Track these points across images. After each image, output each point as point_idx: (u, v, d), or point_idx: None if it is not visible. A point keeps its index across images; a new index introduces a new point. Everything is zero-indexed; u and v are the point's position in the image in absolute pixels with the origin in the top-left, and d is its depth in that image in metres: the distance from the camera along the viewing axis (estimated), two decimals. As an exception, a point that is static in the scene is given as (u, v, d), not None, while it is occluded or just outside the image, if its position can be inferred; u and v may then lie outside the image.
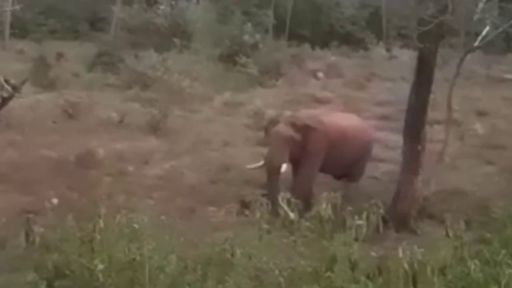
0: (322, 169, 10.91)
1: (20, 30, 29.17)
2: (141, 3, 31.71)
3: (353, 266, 6.37)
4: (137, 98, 18.52)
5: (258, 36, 25.74)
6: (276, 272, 6.03)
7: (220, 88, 19.98)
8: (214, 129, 15.73)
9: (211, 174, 12.41)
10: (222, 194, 11.09)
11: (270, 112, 15.96)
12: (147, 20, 30.11)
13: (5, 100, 9.42)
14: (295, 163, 10.74)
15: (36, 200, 9.96)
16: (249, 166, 11.09)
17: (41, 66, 21.15)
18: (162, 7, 31.02)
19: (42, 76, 19.92)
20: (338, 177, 11.29)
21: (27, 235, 6.85)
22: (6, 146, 13.20)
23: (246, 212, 8.17)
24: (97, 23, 32.28)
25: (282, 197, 8.09)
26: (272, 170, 10.57)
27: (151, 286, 5.58)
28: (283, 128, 10.79)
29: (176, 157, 13.49)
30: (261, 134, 14.75)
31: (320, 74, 24.25)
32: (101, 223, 6.33)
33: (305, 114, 11.38)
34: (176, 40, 26.45)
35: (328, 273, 6.15)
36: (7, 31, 28.18)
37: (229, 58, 23.90)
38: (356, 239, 7.05)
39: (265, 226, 6.96)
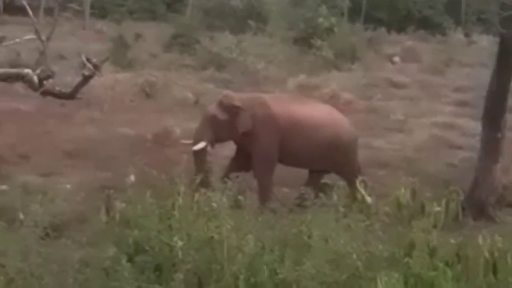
0: (280, 159, 10.25)
1: (100, 10, 29.87)
2: (217, -15, 31.96)
3: (432, 253, 6.25)
4: (212, 79, 18.68)
5: (333, 19, 25.51)
6: (354, 256, 5.97)
7: (295, 71, 19.90)
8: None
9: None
10: (296, 176, 11.05)
11: (346, 96, 15.82)
12: (222, 2, 30.32)
13: (86, 79, 9.58)
14: (239, 145, 10.26)
15: (114, 176, 10.17)
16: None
17: (119, 46, 21.52)
18: (238, -12, 31.18)
19: (121, 56, 20.28)
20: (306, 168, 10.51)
21: (107, 211, 6.98)
22: (86, 123, 13.54)
23: (321, 194, 8.10)
24: (173, 5, 32.68)
25: (360, 181, 8.01)
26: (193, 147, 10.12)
27: (229, 265, 5.60)
28: (210, 107, 10.31)
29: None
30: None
31: (396, 59, 23.94)
32: (180, 201, 6.38)
33: (250, 95, 10.80)
34: (251, 22, 26.48)
35: (406, 259, 6.05)
36: (87, 11, 28.79)
37: (303, 41, 23.81)
38: (434, 226, 6.92)
39: (341, 209, 6.88)
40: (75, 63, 15.18)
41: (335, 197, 7.21)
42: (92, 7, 29.08)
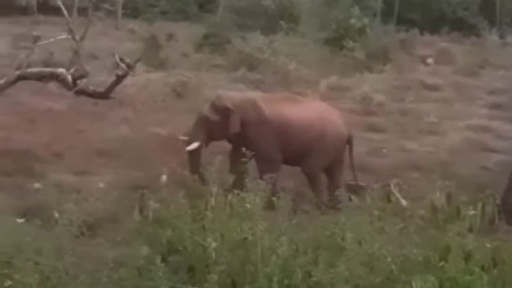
0: None
1: (132, 10, 30.03)
2: (249, -15, 31.96)
3: (467, 257, 6.16)
4: (243, 79, 18.67)
5: (365, 20, 25.40)
6: (389, 259, 5.90)
7: (326, 72, 19.84)
8: (320, 112, 15.59)
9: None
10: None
11: (378, 98, 15.70)
12: (254, 2, 30.29)
13: (120, 78, 9.64)
14: (233, 144, 10.28)
15: (147, 176, 10.20)
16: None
17: (151, 46, 21.60)
18: (269, -11, 31.13)
19: (153, 55, 20.34)
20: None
21: (141, 210, 7.00)
22: (119, 122, 13.60)
23: (353, 196, 8.04)
24: (205, 5, 32.75)
25: (394, 183, 7.95)
26: (186, 146, 10.23)
27: (263, 267, 5.56)
28: (204, 108, 10.36)
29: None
30: (370, 119, 14.55)
31: (430, 60, 23.74)
32: (213, 201, 6.37)
33: (243, 95, 10.81)
34: (283, 23, 26.43)
35: (442, 263, 5.97)
36: (120, 11, 28.98)
37: (335, 42, 23.72)
38: (470, 230, 6.82)
39: (376, 212, 6.81)
40: (108, 63, 15.33)
41: (368, 200, 7.16)
42: (124, 7, 29.25)
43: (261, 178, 9.72)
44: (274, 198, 6.48)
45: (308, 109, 10.42)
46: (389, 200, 7.78)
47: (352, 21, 24.58)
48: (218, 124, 10.05)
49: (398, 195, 7.82)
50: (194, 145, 9.97)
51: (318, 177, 10.25)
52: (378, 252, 5.99)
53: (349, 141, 10.43)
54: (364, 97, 16.21)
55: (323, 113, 10.43)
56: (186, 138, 10.28)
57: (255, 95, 11.11)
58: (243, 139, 9.84)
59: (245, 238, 5.79)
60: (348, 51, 22.38)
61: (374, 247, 6.06)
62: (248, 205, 6.00)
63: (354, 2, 27.27)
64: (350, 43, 22.56)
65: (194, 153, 10.04)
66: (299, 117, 10.15)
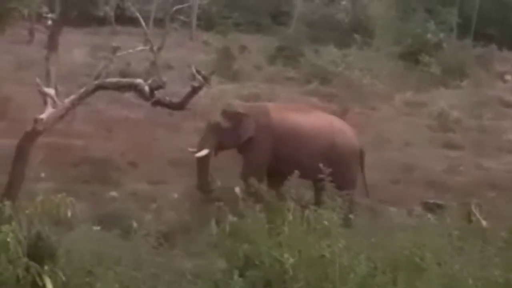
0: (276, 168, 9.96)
1: (206, 22, 30.30)
2: (322, -2, 31.91)
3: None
4: (316, 93, 18.60)
5: (442, 35, 25.01)
6: (470, 281, 5.73)
7: (401, 87, 19.60)
8: (395, 128, 15.42)
9: (392, 173, 12.17)
10: (403, 195, 10.83)
11: (455, 114, 15.41)
12: (328, 15, 30.23)
13: (195, 90, 9.69)
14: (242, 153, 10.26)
15: (220, 187, 10.23)
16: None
17: (225, 57, 21.73)
18: (343, 2, 31.05)
19: (226, 67, 20.45)
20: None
21: (217, 223, 6.98)
22: (192, 133, 13.67)
23: (429, 215, 7.86)
24: (278, 17, 32.74)
25: (475, 204, 7.73)
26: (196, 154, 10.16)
27: (341, 285, 5.48)
28: (214, 115, 10.17)
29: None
30: (446, 135, 14.29)
31: (508, 77, 23.19)
32: (290, 217, 6.30)
33: (253, 104, 10.89)
34: (357, 36, 26.22)
35: (525, 287, 5.77)
36: (194, 22, 29.31)
37: (410, 57, 23.41)
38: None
39: (455, 232, 6.63)
40: (182, 73, 15.46)
41: (448, 219, 6.98)
42: (198, 18, 29.58)
43: (244, 180, 9.70)
44: (351, 216, 6.40)
45: (318, 120, 10.33)
46: (470, 220, 7.58)
47: (428, 36, 24.23)
48: (229, 131, 10.06)
49: (478, 215, 7.59)
50: (203, 152, 10.00)
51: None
52: (459, 273, 5.83)
53: (361, 155, 10.24)
54: (441, 113, 15.95)
55: (334, 124, 10.33)
56: (194, 150, 10.26)
57: (267, 103, 11.10)
58: (246, 145, 9.94)
59: (323, 255, 5.70)
60: (424, 66, 22.05)
61: (454, 269, 5.90)
62: (326, 222, 5.92)
63: (430, 16, 26.85)
64: (426, 58, 22.24)
65: (202, 161, 10.06)
66: (308, 126, 10.07)
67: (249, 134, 9.96)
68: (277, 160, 9.99)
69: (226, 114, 10.13)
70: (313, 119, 10.30)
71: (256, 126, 10.00)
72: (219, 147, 10.22)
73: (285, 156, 9.92)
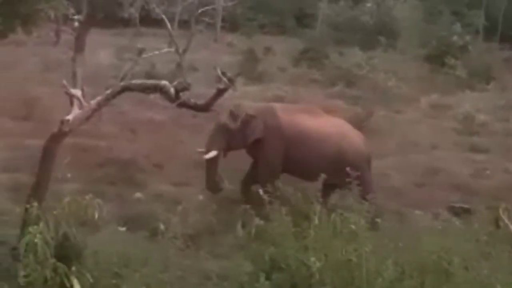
0: (284, 169, 10.06)
1: (231, 24, 30.34)
2: (347, 0, 31.76)
3: None
4: (341, 95, 18.50)
5: (467, 38, 24.80)
6: (498, 287, 5.66)
7: (427, 90, 19.46)
8: (420, 131, 15.32)
9: (418, 177, 12.09)
10: (429, 198, 10.74)
11: (481, 117, 15.26)
12: (352, 18, 30.12)
13: (220, 92, 9.68)
14: (249, 154, 10.31)
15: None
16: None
17: (249, 59, 21.73)
18: (368, 4, 30.88)
19: (251, 69, 20.45)
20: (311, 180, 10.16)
21: (243, 225, 6.96)
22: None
23: (455, 219, 7.78)
24: (303, 19, 32.69)
25: (503, 209, 7.63)
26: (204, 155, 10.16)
27: (368, 289, 5.45)
28: (222, 116, 10.26)
29: (380, 157, 13.20)
30: (472, 139, 14.15)
31: (535, 80, 22.89)
32: (316, 221, 6.26)
33: (261, 105, 10.77)
34: (382, 39, 26.08)
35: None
36: (219, 24, 29.34)
37: (436, 59, 23.23)
38: None
39: (484, 237, 6.55)
40: (207, 75, 15.47)
41: (476, 224, 6.92)
42: (223, 20, 29.62)
43: (261, 183, 9.81)
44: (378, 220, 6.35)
45: (326, 123, 10.29)
46: (497, 225, 7.49)
47: (454, 38, 24.03)
48: (237, 132, 10.10)
49: (506, 220, 7.50)
50: (212, 154, 10.03)
51: None
52: (487, 279, 5.76)
53: (367, 160, 10.20)
54: (466, 116, 15.81)
55: (342, 127, 10.31)
56: (202, 150, 10.29)
57: (274, 104, 11.05)
58: (256, 146, 9.94)
59: (350, 259, 5.66)
60: (449, 69, 21.85)
61: (482, 274, 5.84)
62: (353, 226, 5.88)
63: (456, 19, 26.66)
64: (451, 61, 22.04)
65: (211, 162, 10.08)
66: (316, 129, 10.06)
67: (257, 136, 10.00)
68: (286, 162, 10.04)
69: (233, 115, 10.23)
70: (321, 121, 10.30)
71: (265, 127, 10.03)
72: (227, 148, 10.27)
73: (294, 158, 9.96)
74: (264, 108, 10.46)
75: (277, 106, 10.65)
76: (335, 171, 9.07)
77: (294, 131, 10.01)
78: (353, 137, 10.22)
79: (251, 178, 10.29)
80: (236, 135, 10.13)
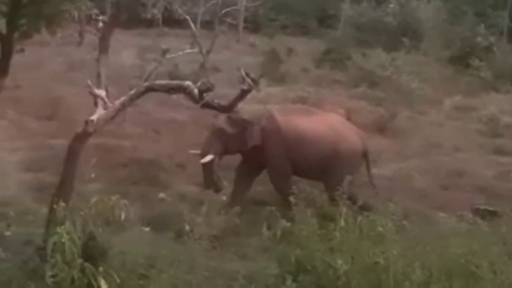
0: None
1: (253, 24, 30.33)
2: (370, 1, 31.61)
3: None
4: (364, 96, 18.41)
5: (492, 39, 24.59)
6: (527, 292, 5.59)
7: (450, 91, 19.33)
8: (444, 133, 15.23)
9: (442, 178, 12.01)
10: (453, 200, 10.65)
11: (505, 119, 15.12)
12: (375, 18, 29.96)
13: (244, 93, 9.66)
14: (246, 157, 10.25)
15: (266, 190, 10.20)
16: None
17: (272, 60, 21.70)
18: (391, 5, 30.70)
19: (273, 70, 20.42)
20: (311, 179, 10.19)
21: (268, 227, 6.92)
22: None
23: (479, 221, 7.67)
24: (325, 20, 32.57)
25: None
26: (200, 159, 10.12)
27: (396, 293, 5.39)
28: (219, 121, 10.24)
29: (404, 159, 13.20)
30: (497, 141, 14.01)
31: (561, 82, 22.64)
32: (342, 223, 6.22)
33: (255, 110, 10.62)
34: (405, 40, 25.92)
35: None
36: (241, 25, 29.34)
37: (460, 61, 23.07)
38: None
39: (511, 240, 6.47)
40: (230, 76, 15.48)
41: (503, 228, 6.83)
42: (245, 21, 29.60)
43: (276, 189, 9.85)
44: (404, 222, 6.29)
45: (322, 122, 10.28)
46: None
47: (478, 39, 23.83)
48: (234, 137, 10.09)
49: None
50: (208, 158, 10.01)
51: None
52: (516, 284, 5.69)
53: (365, 156, 10.19)
54: (491, 118, 15.67)
55: (338, 126, 10.29)
56: (197, 152, 10.27)
57: (271, 107, 11.02)
58: (256, 150, 9.90)
59: (377, 262, 5.61)
60: (473, 70, 21.67)
61: (511, 278, 5.77)
62: (380, 229, 5.83)
63: (480, 20, 26.44)
64: (476, 62, 21.86)
65: (207, 166, 10.05)
66: (312, 129, 10.06)
67: (255, 142, 10.01)
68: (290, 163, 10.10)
69: (231, 119, 10.20)
70: (318, 122, 10.29)
71: (264, 133, 10.03)
72: (223, 152, 10.26)
73: (293, 159, 10.00)
74: (261, 113, 10.41)
75: (274, 109, 10.63)
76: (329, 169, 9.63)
77: (293, 134, 10.04)
78: (349, 134, 10.23)
79: (243, 178, 10.32)
80: (233, 140, 10.13)
